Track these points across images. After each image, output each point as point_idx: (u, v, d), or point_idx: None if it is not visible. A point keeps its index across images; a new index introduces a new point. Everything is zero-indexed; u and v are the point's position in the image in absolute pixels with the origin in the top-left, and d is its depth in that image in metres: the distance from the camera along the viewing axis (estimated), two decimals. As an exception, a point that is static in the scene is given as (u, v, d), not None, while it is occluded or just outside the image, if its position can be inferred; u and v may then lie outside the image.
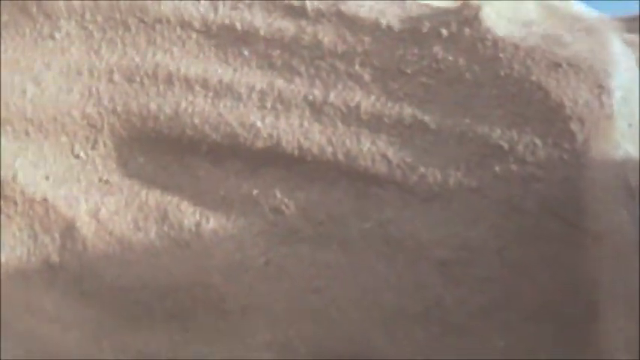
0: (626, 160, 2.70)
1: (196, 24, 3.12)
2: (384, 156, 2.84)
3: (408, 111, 2.86)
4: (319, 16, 3.01)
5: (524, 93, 2.76)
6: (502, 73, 2.80)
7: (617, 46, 2.90)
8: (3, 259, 3.09)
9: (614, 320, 2.58)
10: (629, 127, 2.76)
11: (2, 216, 3.10)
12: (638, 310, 2.56)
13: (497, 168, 2.73)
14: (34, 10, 3.26)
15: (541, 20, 3.07)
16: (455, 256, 2.74)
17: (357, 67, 2.95)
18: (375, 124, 2.88)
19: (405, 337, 2.77)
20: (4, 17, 3.28)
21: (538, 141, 2.71)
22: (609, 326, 2.59)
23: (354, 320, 2.82)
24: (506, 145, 2.73)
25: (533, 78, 2.76)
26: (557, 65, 2.76)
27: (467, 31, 2.87)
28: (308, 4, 3.04)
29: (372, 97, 2.90)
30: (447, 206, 2.77)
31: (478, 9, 2.88)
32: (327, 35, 2.99)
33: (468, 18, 2.88)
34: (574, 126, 2.69)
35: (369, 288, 2.81)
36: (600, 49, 2.83)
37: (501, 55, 2.82)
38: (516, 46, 2.81)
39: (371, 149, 2.85)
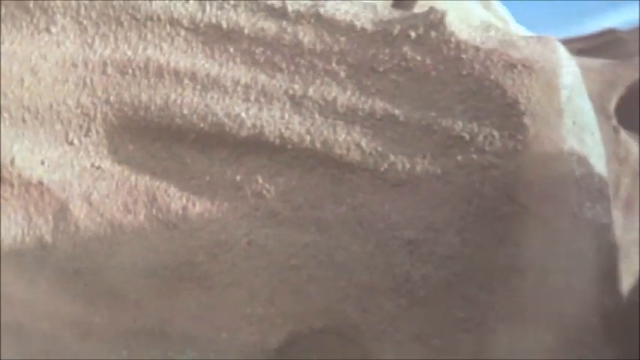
0: (571, 152, 2.92)
1: (185, 22, 3.26)
2: (358, 145, 3.02)
3: (379, 105, 3.04)
4: (299, 17, 3.17)
5: (484, 90, 2.96)
6: (464, 72, 2.99)
7: (562, 52, 3.11)
8: (-1, 240, 3.20)
9: (550, 287, 2.82)
10: (574, 124, 2.99)
11: (-1, 198, 3.21)
12: (575, 281, 2.83)
13: (459, 157, 2.93)
14: (31, 4, 3.35)
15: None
16: (421, 236, 2.93)
17: (333, 64, 3.12)
18: (349, 116, 3.05)
19: (376, 310, 2.96)
20: (2, 11, 3.36)
21: (496, 133, 2.92)
22: (542, 291, 2.83)
23: (330, 295, 3.00)
24: (467, 137, 2.93)
25: (492, 77, 2.95)
26: (513, 66, 2.96)
27: (433, 33, 3.06)
28: (289, 6, 3.19)
29: (348, 92, 3.08)
30: (415, 191, 2.96)
31: (443, 14, 3.07)
32: (306, 35, 3.15)
33: (434, 22, 3.07)
34: (527, 120, 2.90)
35: (344, 266, 2.99)
36: (550, 54, 3.04)
37: (463, 56, 3.00)
38: (477, 49, 3.01)
39: (346, 139, 3.03)
